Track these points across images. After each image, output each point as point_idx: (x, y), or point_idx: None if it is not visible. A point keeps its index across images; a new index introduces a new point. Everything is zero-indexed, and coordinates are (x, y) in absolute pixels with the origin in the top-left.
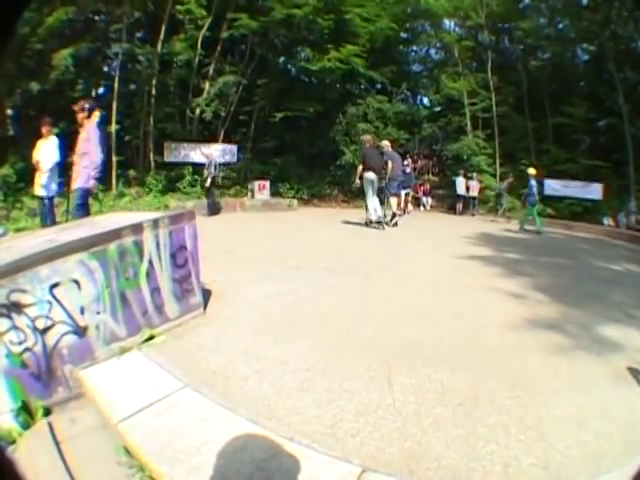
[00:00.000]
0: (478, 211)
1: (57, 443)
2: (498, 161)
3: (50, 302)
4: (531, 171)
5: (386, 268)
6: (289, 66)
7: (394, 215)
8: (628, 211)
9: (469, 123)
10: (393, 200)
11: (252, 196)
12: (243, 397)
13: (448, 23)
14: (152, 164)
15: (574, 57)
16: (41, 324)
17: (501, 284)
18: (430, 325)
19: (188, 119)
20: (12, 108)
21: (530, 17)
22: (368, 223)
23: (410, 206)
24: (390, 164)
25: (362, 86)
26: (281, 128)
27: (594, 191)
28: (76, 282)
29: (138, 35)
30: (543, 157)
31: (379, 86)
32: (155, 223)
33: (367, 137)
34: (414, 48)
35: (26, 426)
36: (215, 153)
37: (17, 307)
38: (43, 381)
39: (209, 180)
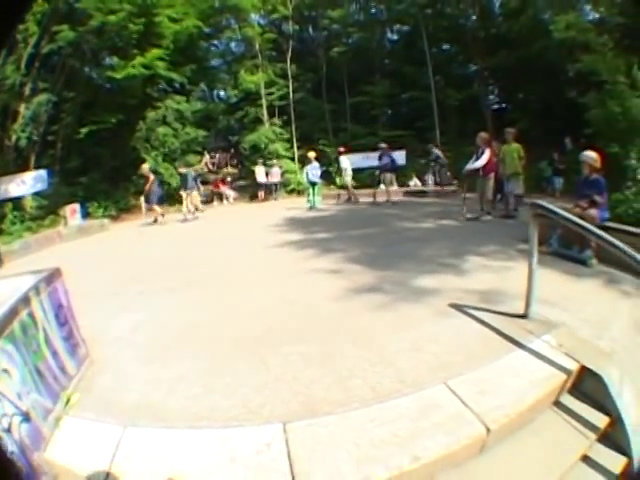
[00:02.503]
0: (281, 195)
1: None
2: (296, 145)
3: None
4: (310, 154)
5: (215, 274)
6: (95, 76)
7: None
8: (434, 170)
9: (265, 113)
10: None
11: (66, 223)
12: (176, 414)
13: (254, 17)
14: None
15: (382, 39)
16: (5, 422)
17: (318, 264)
18: (273, 314)
19: (6, 149)
20: None
21: (341, 6)
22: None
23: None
24: None
25: (161, 87)
26: (87, 144)
27: (397, 158)
28: (6, 371)
29: None
30: (341, 135)
31: (177, 86)
32: (37, 290)
33: None
34: (215, 43)
35: None
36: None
37: None
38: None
39: None
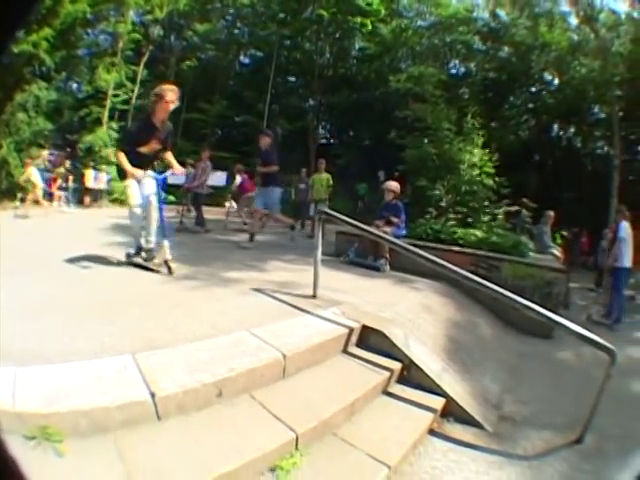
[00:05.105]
0: (105, 203)
1: None
2: None
3: None
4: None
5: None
6: None
7: None
8: None
9: (107, 114)
10: None
11: None
12: (53, 355)
13: (132, 13)
14: None
15: (234, 61)
16: None
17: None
18: (112, 292)
19: None
20: None
21: (211, 20)
22: None
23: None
24: None
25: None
26: None
27: (218, 179)
28: None
29: None
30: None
31: (45, 70)
32: None
33: None
34: (89, 31)
35: None
36: None
37: None
38: None
39: None
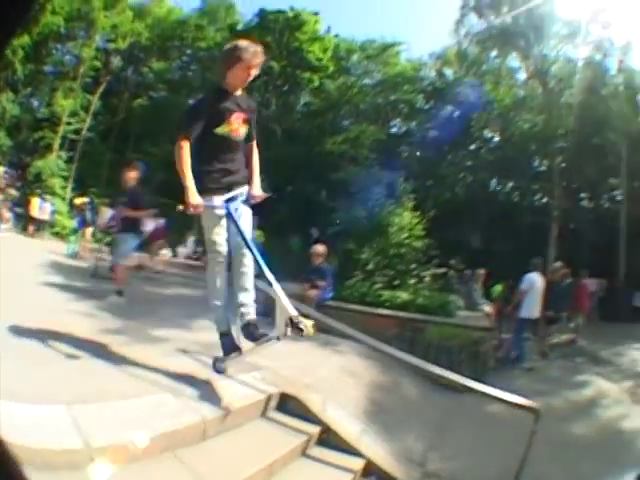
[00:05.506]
0: (46, 234)
1: None
2: (71, 185)
3: None
4: (77, 201)
5: None
6: None
7: None
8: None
9: (58, 141)
10: None
11: None
12: None
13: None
14: None
15: (185, 103)
16: None
17: (77, 307)
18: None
19: None
20: None
21: (168, 59)
22: None
23: None
24: None
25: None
26: None
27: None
28: None
29: None
30: (112, 188)
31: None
32: None
33: None
34: (58, 46)
35: None
36: None
37: None
38: None
39: None
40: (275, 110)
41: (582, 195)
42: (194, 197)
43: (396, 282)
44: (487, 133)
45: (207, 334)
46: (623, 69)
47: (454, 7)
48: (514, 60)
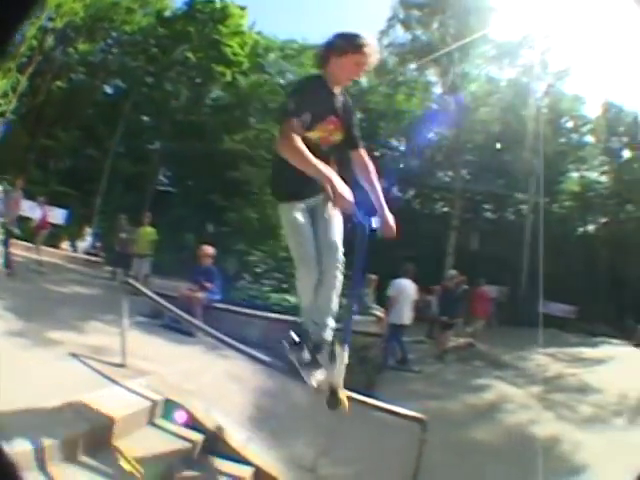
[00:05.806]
0: None
1: None
2: None
3: None
4: None
5: None
6: None
7: None
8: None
9: None
10: None
11: None
12: None
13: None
14: None
15: (100, 88)
16: None
17: None
18: None
19: None
20: None
21: (94, 41)
22: None
23: None
24: None
25: None
26: None
27: (57, 216)
28: None
29: None
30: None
31: None
32: None
33: None
34: None
35: None
36: None
37: None
38: None
39: None
40: (185, 102)
41: (485, 207)
42: (342, 187)
43: (285, 285)
44: (393, 142)
45: (98, 338)
46: (550, 93)
47: (382, 18)
48: (432, 75)
